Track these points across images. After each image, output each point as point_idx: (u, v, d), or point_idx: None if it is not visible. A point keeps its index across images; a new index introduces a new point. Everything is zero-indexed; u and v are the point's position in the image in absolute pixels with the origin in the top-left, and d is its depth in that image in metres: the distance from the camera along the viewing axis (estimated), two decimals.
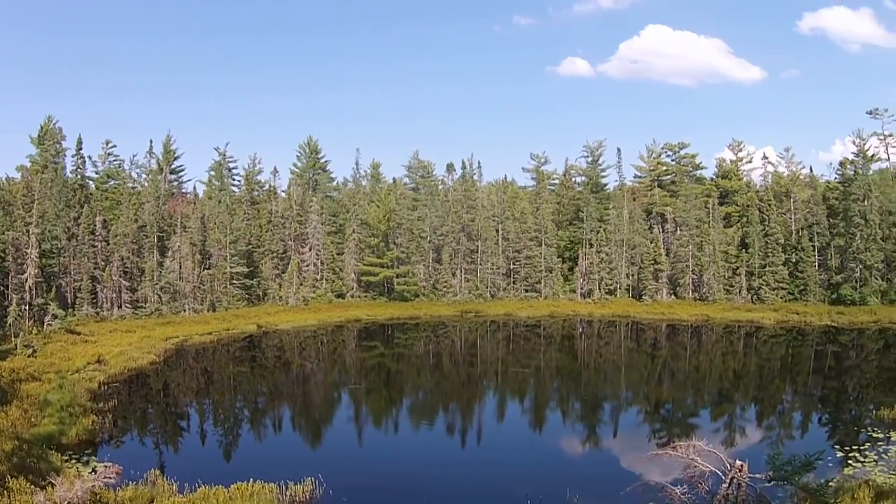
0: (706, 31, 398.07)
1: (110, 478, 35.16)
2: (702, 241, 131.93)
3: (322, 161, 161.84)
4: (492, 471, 44.25)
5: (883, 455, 42.85)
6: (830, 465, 40.26)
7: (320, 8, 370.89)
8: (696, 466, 33.53)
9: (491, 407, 65.03)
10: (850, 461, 41.85)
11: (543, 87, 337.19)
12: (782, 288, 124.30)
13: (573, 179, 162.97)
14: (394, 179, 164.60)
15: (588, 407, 64.35)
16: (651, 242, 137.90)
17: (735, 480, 32.06)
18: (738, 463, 32.36)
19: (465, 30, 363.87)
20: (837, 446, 45.70)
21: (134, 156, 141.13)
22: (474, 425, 57.42)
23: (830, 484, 34.99)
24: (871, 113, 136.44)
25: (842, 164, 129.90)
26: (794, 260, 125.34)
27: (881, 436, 47.18)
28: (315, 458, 46.93)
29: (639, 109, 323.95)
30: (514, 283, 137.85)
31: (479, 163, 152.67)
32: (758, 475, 32.49)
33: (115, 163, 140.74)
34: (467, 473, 43.73)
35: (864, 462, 41.64)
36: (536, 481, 39.98)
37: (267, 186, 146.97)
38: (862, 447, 44.64)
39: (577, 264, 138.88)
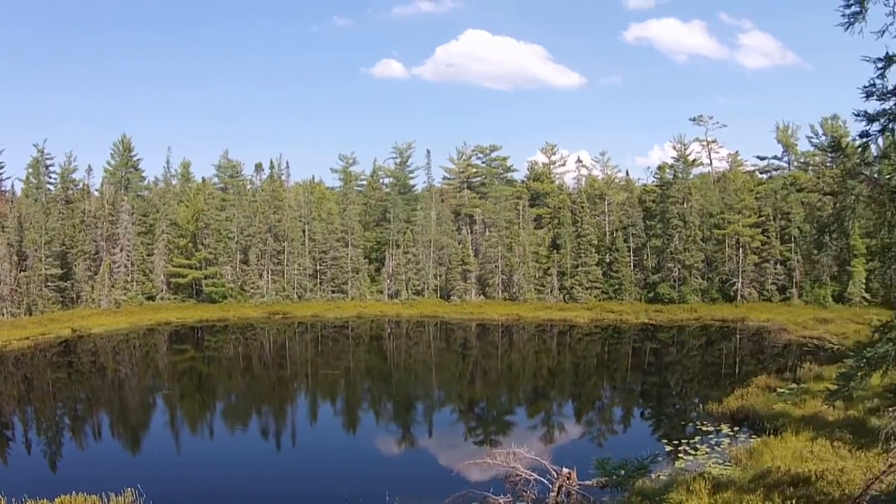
0: (526, 38, 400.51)
1: None
2: (511, 242, 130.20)
3: (135, 159, 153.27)
4: (309, 472, 43.51)
5: (715, 447, 41.80)
6: (659, 458, 38.67)
7: (139, 2, 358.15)
8: (518, 475, 31.43)
9: (304, 409, 62.69)
10: (680, 455, 40.71)
11: (357, 88, 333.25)
12: (596, 287, 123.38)
13: (381, 181, 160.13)
14: (203, 179, 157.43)
15: (401, 407, 62.02)
16: (459, 243, 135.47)
17: (563, 488, 29.27)
18: (566, 471, 30.83)
19: (282, 29, 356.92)
20: (664, 440, 44.75)
21: None
22: (288, 427, 55.43)
23: (662, 478, 34.80)
24: (694, 120, 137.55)
25: (660, 168, 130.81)
26: (608, 260, 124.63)
27: (711, 428, 46.11)
28: (134, 467, 44.24)
29: (452, 113, 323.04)
30: (320, 284, 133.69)
31: (287, 163, 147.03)
32: (588, 482, 30.70)
33: None
34: (285, 475, 42.06)
35: (696, 454, 40.59)
36: (354, 482, 39.00)
37: (81, 185, 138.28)
38: (691, 440, 43.63)
39: (383, 265, 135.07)
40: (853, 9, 21.35)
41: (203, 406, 63.49)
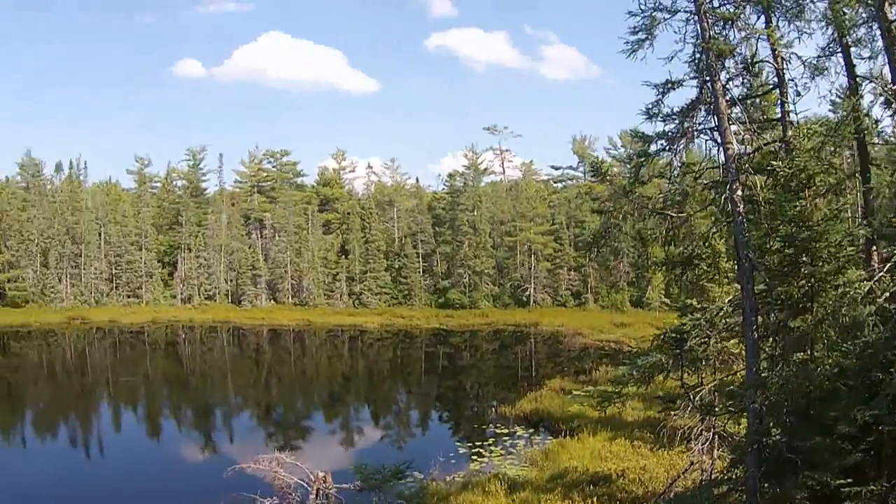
0: (326, 42, 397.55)
1: None
2: (300, 247, 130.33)
3: None
4: (113, 478, 41.29)
5: (510, 449, 41.90)
6: (454, 461, 39.24)
7: None
8: (281, 478, 31.09)
9: (108, 417, 60.41)
10: (474, 457, 40.73)
11: (157, 88, 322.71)
12: (385, 293, 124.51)
13: (174, 183, 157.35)
14: (7, 178, 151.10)
15: (201, 414, 60.72)
16: (249, 248, 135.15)
17: (321, 491, 30.21)
18: (321, 474, 30.58)
19: (87, 23, 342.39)
20: (461, 443, 44.70)
21: None
22: (94, 436, 53.23)
23: (458, 479, 34.73)
24: (489, 129, 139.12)
25: (450, 175, 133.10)
26: (397, 266, 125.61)
27: (505, 431, 46.39)
28: None
29: (248, 115, 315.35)
30: (116, 288, 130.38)
31: (85, 163, 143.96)
32: (345, 485, 30.63)
33: None
34: (94, 483, 40.79)
35: (491, 456, 40.67)
36: (158, 489, 38.11)
37: None
38: (486, 442, 43.73)
39: (176, 269, 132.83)
40: (638, 36, 21.86)
41: (13, 415, 60.70)
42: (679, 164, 23.07)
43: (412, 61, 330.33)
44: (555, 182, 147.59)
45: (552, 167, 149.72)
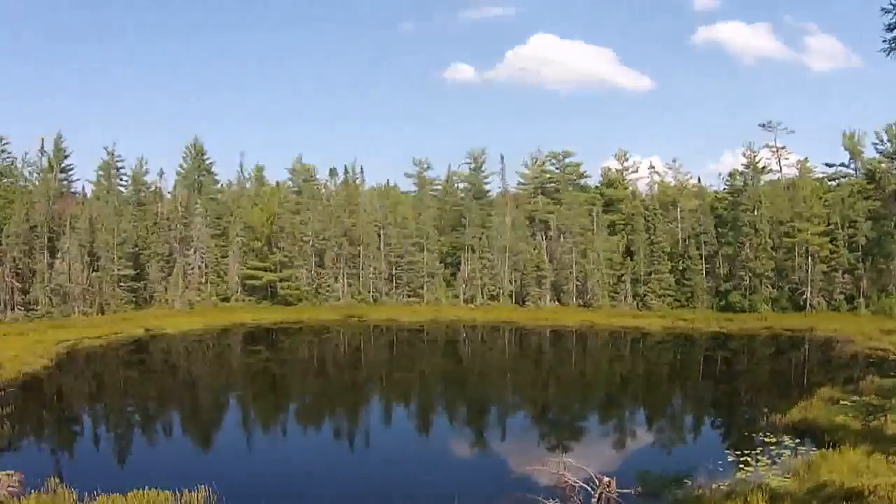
0: (595, 41, 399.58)
1: (14, 486, 34.40)
2: (585, 249, 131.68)
3: (207, 163, 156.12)
4: (379, 473, 43.10)
5: (776, 459, 41.96)
6: (721, 469, 39.72)
7: (205, 10, 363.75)
8: (566, 482, 33.55)
9: (377, 411, 63.56)
10: (741, 465, 40.95)
11: (428, 92, 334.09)
12: (669, 295, 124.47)
13: (455, 186, 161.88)
14: (277, 183, 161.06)
15: (475, 411, 62.80)
16: (534, 249, 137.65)
17: (604, 496, 31.94)
18: (606, 479, 32.35)
19: (349, 35, 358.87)
20: (731, 450, 44.69)
21: (26, 154, 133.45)
22: (361, 429, 56.03)
23: (723, 488, 34.95)
24: (763, 126, 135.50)
25: (731, 174, 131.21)
26: (680, 268, 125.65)
27: (774, 440, 46.18)
28: (206, 465, 44.99)
29: (525, 117, 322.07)
30: (396, 287, 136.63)
31: (361, 168, 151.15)
32: (627, 490, 32.38)
33: (7, 160, 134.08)
34: (356, 475, 42.75)
35: (757, 466, 40.76)
36: (423, 483, 39.68)
37: (153, 188, 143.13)
38: (755, 451, 43.73)
39: (459, 270, 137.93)
40: (895, 33, 21.97)
41: (276, 406, 64.74)
42: None
43: (682, 56, 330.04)
44: (829, 180, 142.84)
45: (826, 164, 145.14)
